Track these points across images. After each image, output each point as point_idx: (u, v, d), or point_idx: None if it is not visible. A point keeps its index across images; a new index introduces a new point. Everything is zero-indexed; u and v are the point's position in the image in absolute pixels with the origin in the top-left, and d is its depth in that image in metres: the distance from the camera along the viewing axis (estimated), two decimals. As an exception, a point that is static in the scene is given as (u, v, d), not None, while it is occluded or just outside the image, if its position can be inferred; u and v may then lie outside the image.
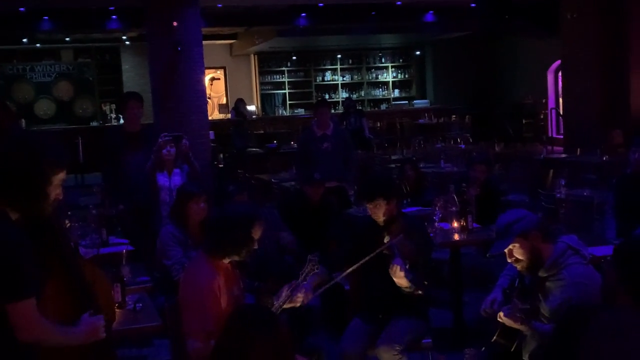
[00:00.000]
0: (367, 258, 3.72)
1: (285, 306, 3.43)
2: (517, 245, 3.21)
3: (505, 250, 3.24)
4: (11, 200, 2.32)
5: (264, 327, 2.38)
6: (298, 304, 3.49)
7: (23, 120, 14.20)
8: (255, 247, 3.35)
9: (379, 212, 4.01)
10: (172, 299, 3.70)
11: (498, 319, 3.19)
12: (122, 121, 15.85)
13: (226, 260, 3.37)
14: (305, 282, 3.58)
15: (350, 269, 3.79)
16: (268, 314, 2.53)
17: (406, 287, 3.81)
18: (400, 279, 3.75)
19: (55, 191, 2.40)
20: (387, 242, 3.82)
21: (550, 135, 15.95)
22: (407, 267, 3.75)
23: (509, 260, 3.28)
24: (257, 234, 3.33)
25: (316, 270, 3.59)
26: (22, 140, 2.40)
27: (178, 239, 4.70)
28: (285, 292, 3.44)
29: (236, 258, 3.37)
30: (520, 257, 3.22)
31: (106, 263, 4.66)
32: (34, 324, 2.31)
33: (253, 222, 3.32)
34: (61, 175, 2.41)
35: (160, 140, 6.04)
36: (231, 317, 2.49)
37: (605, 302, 2.38)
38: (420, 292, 3.87)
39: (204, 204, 4.78)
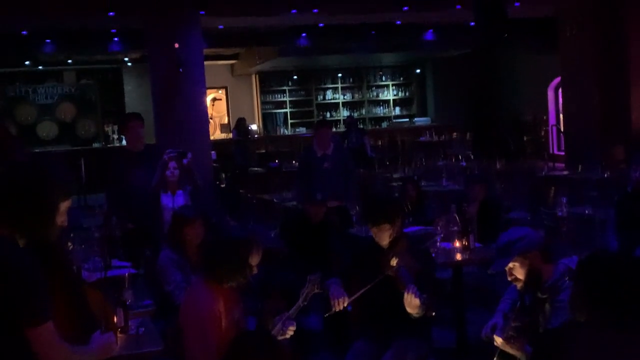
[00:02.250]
0: (376, 280, 3.70)
1: (279, 337, 3.36)
2: (516, 264, 3.22)
3: (506, 269, 3.26)
4: (19, 226, 2.35)
5: (265, 353, 2.39)
6: (288, 336, 3.44)
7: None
8: (255, 272, 3.34)
9: (384, 236, 3.99)
10: (174, 323, 3.70)
11: (495, 343, 3.19)
12: (124, 142, 16.08)
13: (225, 286, 3.37)
14: (305, 303, 3.56)
15: (360, 292, 3.77)
16: (268, 339, 2.53)
17: (417, 313, 3.73)
18: (414, 307, 3.67)
19: (61, 218, 2.43)
20: (396, 264, 3.80)
21: (551, 151, 15.97)
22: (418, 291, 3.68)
23: (509, 279, 3.29)
24: (254, 260, 3.31)
25: (316, 291, 3.58)
26: (32, 169, 2.44)
27: (177, 263, 4.67)
28: (277, 325, 3.40)
29: (234, 284, 3.36)
30: (519, 276, 3.23)
31: (109, 286, 4.67)
32: (55, 346, 2.33)
33: (250, 248, 3.30)
34: (67, 203, 2.45)
35: (165, 156, 6.06)
36: (232, 345, 2.49)
37: (574, 318, 2.38)
38: (434, 313, 3.76)
39: (200, 227, 4.76)
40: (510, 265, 3.23)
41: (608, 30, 11.90)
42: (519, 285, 3.27)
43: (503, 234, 3.37)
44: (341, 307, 3.77)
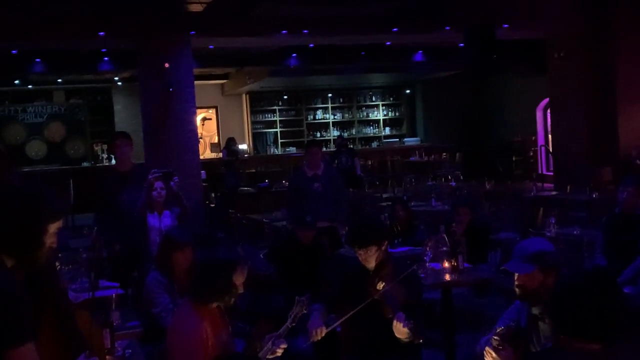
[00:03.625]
0: (363, 304, 3.69)
1: (269, 356, 3.38)
2: (535, 274, 3.15)
3: (521, 273, 3.18)
4: (7, 247, 2.33)
5: None
6: (279, 354, 3.43)
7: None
8: (240, 291, 3.33)
9: (370, 258, 3.98)
10: (161, 345, 3.67)
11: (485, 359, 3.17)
12: (114, 161, 16.04)
13: (212, 306, 3.35)
14: (294, 324, 3.55)
15: (348, 316, 3.75)
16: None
17: (406, 339, 3.73)
18: (403, 334, 3.68)
19: (50, 240, 2.41)
20: (382, 288, 3.79)
21: (540, 172, 16.06)
22: (406, 318, 3.67)
23: (516, 282, 3.20)
24: (239, 279, 3.30)
25: (304, 312, 3.57)
26: (23, 191, 2.42)
27: (164, 286, 4.64)
28: (267, 345, 3.40)
29: (221, 304, 3.34)
30: (528, 285, 3.17)
31: (96, 307, 4.63)
32: None
33: (234, 267, 3.29)
34: (57, 225, 2.43)
35: (150, 177, 6.03)
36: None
37: (555, 345, 2.41)
38: (420, 340, 3.75)
39: (190, 252, 4.72)
40: (532, 274, 3.15)
41: (596, 54, 12.03)
42: (519, 291, 3.21)
43: (539, 241, 3.31)
44: (318, 338, 3.76)
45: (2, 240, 2.33)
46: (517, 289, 3.22)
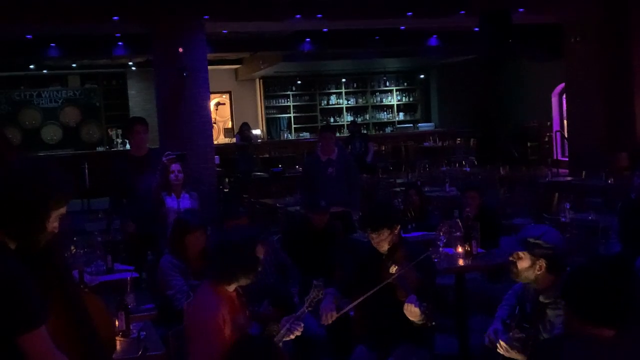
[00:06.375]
0: (376, 288, 3.69)
1: (285, 339, 3.40)
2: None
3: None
4: (10, 230, 2.32)
5: (264, 356, 2.40)
6: (294, 336, 3.45)
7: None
8: (260, 268, 3.37)
9: (383, 242, 3.98)
10: (175, 327, 3.69)
11: (497, 350, 3.19)
12: (128, 146, 16.12)
13: (232, 288, 3.37)
14: (310, 309, 3.56)
15: (361, 299, 3.76)
16: (267, 344, 2.54)
17: (419, 321, 3.73)
18: (415, 316, 3.68)
19: (52, 224, 2.38)
20: (396, 272, 3.79)
21: (555, 157, 15.96)
22: (418, 300, 3.68)
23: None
24: (260, 252, 3.39)
25: (321, 297, 3.57)
26: (29, 174, 2.39)
27: (178, 268, 4.65)
28: (285, 327, 3.41)
29: (244, 282, 3.38)
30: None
31: (111, 290, 4.68)
32: (50, 353, 2.26)
33: (255, 242, 3.37)
34: (62, 210, 2.40)
35: (164, 159, 6.06)
36: (232, 349, 2.50)
37: (567, 333, 2.42)
38: (433, 323, 3.75)
39: (202, 235, 4.74)
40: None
41: (612, 38, 11.90)
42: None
43: (541, 228, 3.39)
44: (329, 322, 3.77)
45: (5, 223, 2.31)
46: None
